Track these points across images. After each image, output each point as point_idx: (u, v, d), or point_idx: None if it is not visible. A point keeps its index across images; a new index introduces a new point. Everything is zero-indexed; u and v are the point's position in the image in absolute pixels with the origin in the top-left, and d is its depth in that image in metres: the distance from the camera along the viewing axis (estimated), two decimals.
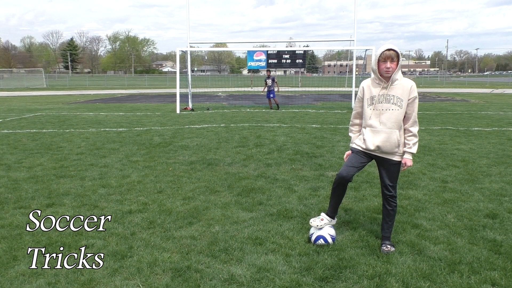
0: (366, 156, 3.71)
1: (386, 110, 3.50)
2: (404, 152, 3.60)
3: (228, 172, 6.45)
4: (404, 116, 3.54)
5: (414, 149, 3.57)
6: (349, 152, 3.86)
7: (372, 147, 3.59)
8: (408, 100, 3.49)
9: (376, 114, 3.55)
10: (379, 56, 3.44)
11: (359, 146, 3.72)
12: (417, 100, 3.53)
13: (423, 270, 3.30)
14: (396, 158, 3.60)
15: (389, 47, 3.40)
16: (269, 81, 17.98)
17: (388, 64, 3.41)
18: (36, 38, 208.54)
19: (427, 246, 3.75)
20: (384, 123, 3.52)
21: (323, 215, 3.86)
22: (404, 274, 3.23)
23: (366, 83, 3.65)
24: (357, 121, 3.81)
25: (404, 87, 3.48)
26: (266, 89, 18.24)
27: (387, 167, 3.64)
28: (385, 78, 3.50)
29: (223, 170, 6.58)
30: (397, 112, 3.49)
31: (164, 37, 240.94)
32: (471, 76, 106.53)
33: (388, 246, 3.66)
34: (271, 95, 18.04)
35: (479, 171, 6.44)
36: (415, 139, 3.57)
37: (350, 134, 3.89)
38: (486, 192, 5.37)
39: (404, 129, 3.57)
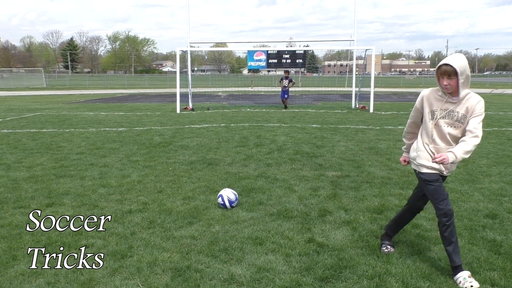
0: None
1: (449, 126, 3.18)
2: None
3: (228, 172, 6.45)
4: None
5: (458, 152, 3.05)
6: (404, 157, 3.67)
7: (442, 167, 3.25)
8: (471, 117, 3.12)
9: (438, 131, 3.22)
10: (437, 69, 3.12)
11: (431, 168, 3.26)
12: (481, 117, 3.12)
13: (423, 270, 3.30)
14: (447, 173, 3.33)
15: (447, 62, 3.04)
16: (286, 82, 18.13)
17: (445, 81, 3.07)
18: (36, 37, 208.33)
19: (427, 246, 3.75)
20: (447, 141, 3.20)
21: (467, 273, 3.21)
22: (404, 274, 3.24)
23: (426, 94, 3.28)
24: (412, 129, 3.51)
25: (470, 103, 3.12)
26: (282, 88, 18.45)
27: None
28: (448, 92, 3.15)
29: (223, 170, 6.58)
30: (460, 129, 3.17)
31: (166, 37, 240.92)
32: (471, 76, 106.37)
33: (388, 246, 3.66)
34: (285, 96, 18.28)
35: (479, 171, 6.43)
36: (465, 146, 3.07)
37: (404, 140, 3.63)
38: (486, 192, 5.37)
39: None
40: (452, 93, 3.13)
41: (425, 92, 3.31)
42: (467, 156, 3.07)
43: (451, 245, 3.20)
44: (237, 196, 4.86)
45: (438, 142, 3.22)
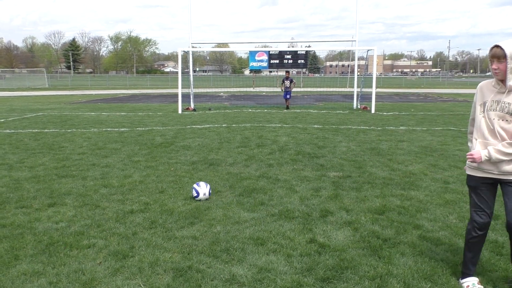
0: (487, 180, 3.02)
1: (500, 119, 2.86)
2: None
3: (229, 172, 6.45)
4: None
5: (494, 150, 2.84)
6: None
7: (484, 165, 2.96)
8: None
9: (488, 124, 2.91)
10: (489, 52, 2.86)
11: (473, 168, 3.02)
12: None
13: (424, 271, 3.29)
14: None
15: (497, 44, 2.79)
16: (287, 82, 18.31)
17: (495, 65, 2.82)
18: (38, 38, 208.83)
19: (428, 247, 3.74)
20: (498, 136, 2.87)
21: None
22: (405, 275, 3.23)
23: (481, 85, 3.03)
24: (473, 128, 3.15)
25: None
26: (283, 89, 18.60)
27: (510, 189, 3.01)
28: (501, 81, 2.88)
29: (224, 170, 6.58)
30: None
31: (167, 37, 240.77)
32: (473, 76, 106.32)
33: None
34: (288, 96, 18.41)
35: None
36: (506, 147, 2.82)
37: (469, 144, 3.23)
38: None
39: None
40: (503, 80, 2.85)
41: (480, 84, 3.07)
42: (505, 158, 2.83)
43: (471, 254, 3.11)
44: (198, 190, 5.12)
45: (487, 137, 2.90)
